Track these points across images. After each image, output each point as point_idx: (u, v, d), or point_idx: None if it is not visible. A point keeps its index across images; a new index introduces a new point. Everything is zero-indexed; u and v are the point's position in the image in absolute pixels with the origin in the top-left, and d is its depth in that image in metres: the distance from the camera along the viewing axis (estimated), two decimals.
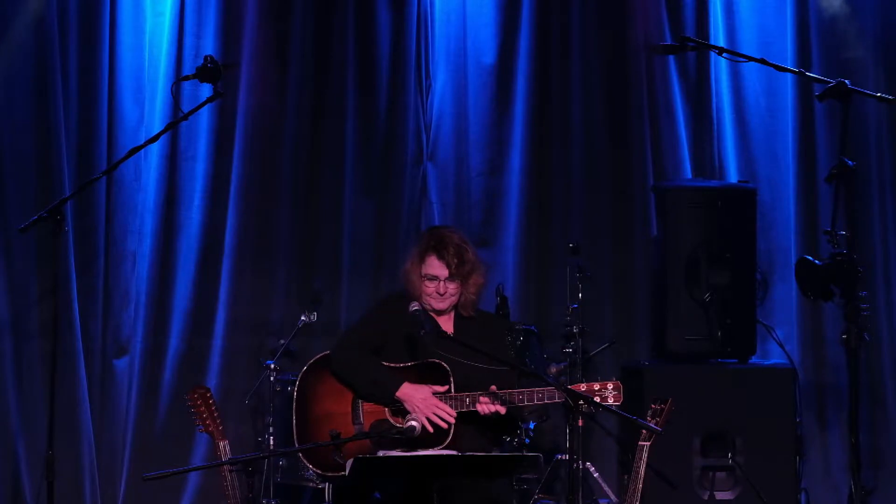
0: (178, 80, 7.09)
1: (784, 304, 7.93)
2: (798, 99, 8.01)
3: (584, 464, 7.20)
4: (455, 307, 6.01)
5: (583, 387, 5.74)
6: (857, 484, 5.77)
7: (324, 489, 6.85)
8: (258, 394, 7.44)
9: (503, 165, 8.05)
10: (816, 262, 5.78)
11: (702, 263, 7.24)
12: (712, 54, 7.99)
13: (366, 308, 6.34)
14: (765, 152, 8.08)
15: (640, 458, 5.86)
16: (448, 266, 5.88)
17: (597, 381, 5.81)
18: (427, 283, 5.91)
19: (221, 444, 5.80)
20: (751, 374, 7.23)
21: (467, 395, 5.76)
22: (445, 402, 5.75)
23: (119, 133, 7.80)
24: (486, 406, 5.71)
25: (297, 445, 5.88)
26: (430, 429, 5.69)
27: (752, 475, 6.98)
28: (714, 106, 8.09)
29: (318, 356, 6.06)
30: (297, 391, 5.97)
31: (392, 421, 5.78)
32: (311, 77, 7.99)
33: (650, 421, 5.75)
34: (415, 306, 5.75)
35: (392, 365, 5.90)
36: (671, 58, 8.06)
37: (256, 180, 7.93)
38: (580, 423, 6.87)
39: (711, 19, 8.08)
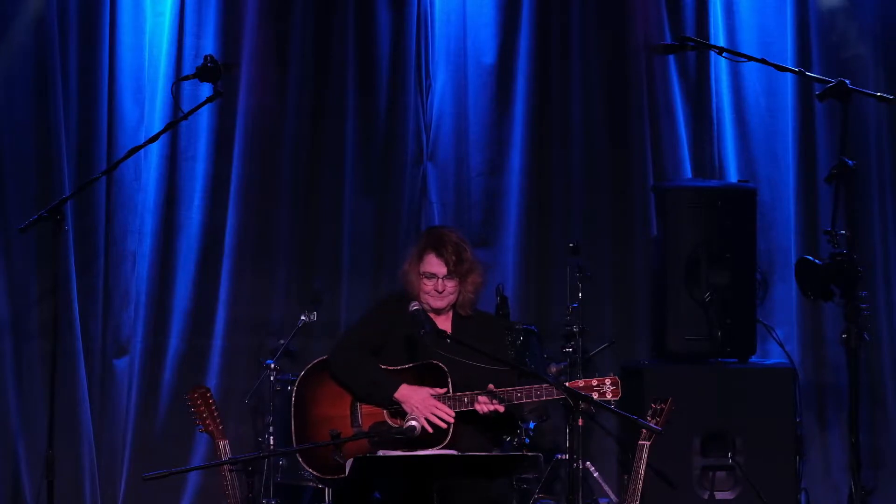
0: (178, 80, 7.09)
1: (784, 304, 7.93)
2: (798, 99, 8.02)
3: (584, 464, 7.20)
4: (453, 307, 6.01)
5: (581, 383, 5.75)
6: (857, 484, 5.77)
7: (324, 489, 6.86)
8: (258, 394, 7.44)
9: (503, 165, 8.05)
10: (816, 262, 5.78)
11: (702, 263, 7.24)
12: (712, 54, 7.99)
13: (365, 309, 6.35)
14: (765, 152, 8.08)
15: (640, 458, 5.86)
16: (446, 263, 5.89)
17: (595, 377, 5.81)
18: (425, 280, 5.91)
19: (221, 444, 5.80)
20: (751, 374, 7.23)
21: (465, 395, 5.76)
22: (444, 403, 5.75)
23: (119, 133, 7.80)
24: (484, 405, 5.71)
25: (298, 456, 5.86)
26: (430, 429, 5.69)
27: (752, 475, 6.98)
28: (714, 106, 8.09)
29: (315, 361, 6.06)
30: (294, 395, 5.97)
31: (391, 422, 5.78)
32: (311, 77, 8.00)
33: (650, 421, 5.76)
34: (415, 306, 5.75)
35: (390, 367, 5.90)
36: (671, 58, 8.06)
37: (256, 180, 7.93)
38: (580, 422, 6.87)
39: (711, 19, 8.08)
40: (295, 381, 6.00)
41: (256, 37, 7.93)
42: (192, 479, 7.69)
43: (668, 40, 7.92)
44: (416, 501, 5.43)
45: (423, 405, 5.74)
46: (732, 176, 8.00)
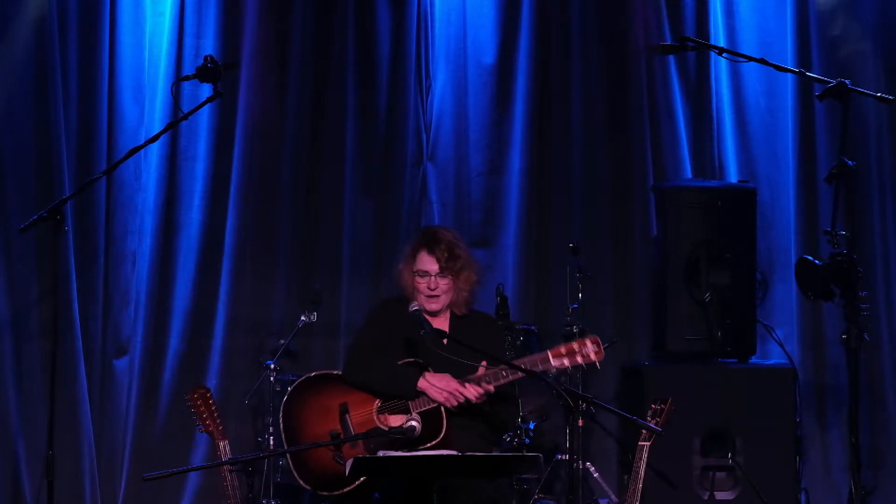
0: (178, 80, 7.08)
1: (784, 304, 7.93)
2: (798, 99, 8.02)
3: (584, 464, 7.20)
4: (449, 307, 6.00)
5: (562, 349, 5.73)
6: (857, 484, 5.77)
7: None
8: (258, 394, 7.44)
9: (503, 165, 8.05)
10: (816, 262, 5.79)
11: (702, 263, 7.24)
12: (712, 54, 7.99)
13: (364, 315, 6.34)
14: (765, 152, 8.09)
15: (640, 458, 5.86)
16: (438, 261, 5.89)
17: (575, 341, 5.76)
18: (419, 279, 5.91)
19: (221, 444, 5.80)
20: (751, 374, 7.23)
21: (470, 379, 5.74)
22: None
23: (119, 133, 7.81)
24: (474, 389, 5.69)
25: (293, 470, 5.83)
26: (454, 403, 5.67)
27: (752, 475, 6.98)
28: (714, 106, 8.09)
29: (295, 383, 6.00)
30: (282, 421, 5.92)
31: (384, 426, 5.76)
32: (311, 77, 8.00)
33: (650, 421, 5.76)
34: (414, 306, 5.75)
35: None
36: (671, 58, 8.06)
37: (256, 180, 7.93)
38: (580, 423, 6.87)
39: (711, 19, 8.08)
40: (295, 381, 5.95)
41: (256, 37, 7.94)
42: (192, 479, 7.69)
43: (668, 40, 7.92)
44: (416, 501, 5.43)
45: (448, 389, 5.73)
46: (732, 176, 8.00)
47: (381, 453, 5.42)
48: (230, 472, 5.74)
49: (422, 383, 5.77)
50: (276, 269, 7.92)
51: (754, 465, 7.03)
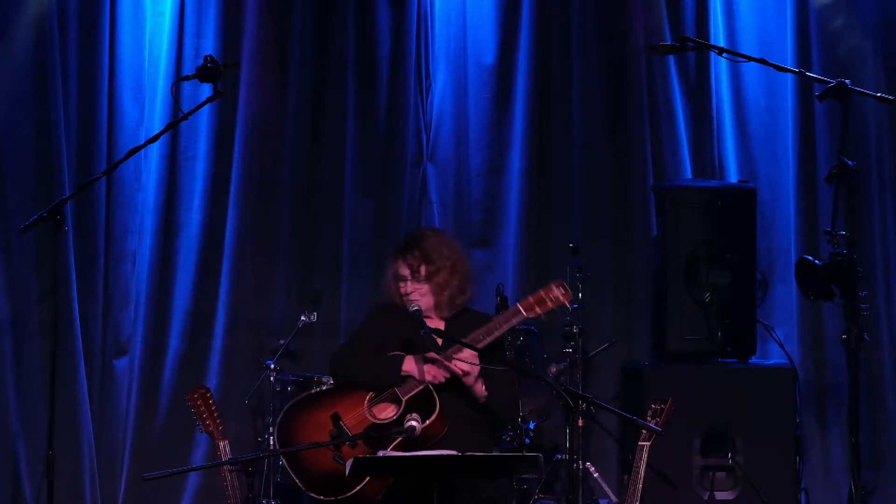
0: (178, 80, 7.08)
1: (784, 304, 7.93)
2: (798, 99, 8.02)
3: (584, 464, 7.20)
4: (433, 309, 5.97)
5: (531, 299, 5.71)
6: (857, 484, 5.78)
7: None
8: (258, 394, 7.44)
9: (503, 165, 8.05)
10: (816, 262, 5.79)
11: (702, 263, 7.24)
12: (712, 54, 7.99)
13: (358, 321, 6.33)
14: (765, 152, 8.08)
15: (640, 458, 5.86)
16: (410, 266, 5.88)
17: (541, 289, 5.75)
18: (399, 283, 5.92)
19: (221, 444, 5.80)
20: (751, 374, 7.23)
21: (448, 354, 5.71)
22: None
23: (119, 133, 7.81)
24: (459, 362, 5.66)
25: (298, 483, 5.81)
26: (441, 378, 5.66)
27: (752, 475, 6.98)
28: (714, 106, 8.09)
29: (288, 404, 5.97)
30: (277, 440, 5.89)
31: (375, 419, 5.73)
32: (311, 77, 8.00)
33: (650, 421, 5.75)
34: (415, 306, 5.75)
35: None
36: (671, 58, 8.06)
37: (256, 180, 7.93)
38: (580, 423, 6.87)
39: (711, 19, 8.08)
40: (295, 381, 5.97)
41: (256, 37, 7.94)
42: (192, 479, 7.70)
43: (668, 40, 7.92)
44: (416, 501, 5.43)
45: (429, 370, 5.72)
46: (732, 176, 8.00)
47: (381, 453, 5.42)
48: (230, 472, 5.74)
49: (406, 366, 5.75)
50: (276, 269, 7.92)
51: (754, 465, 7.04)
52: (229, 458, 5.70)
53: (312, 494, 5.74)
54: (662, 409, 5.81)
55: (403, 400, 5.70)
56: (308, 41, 7.99)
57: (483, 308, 6.45)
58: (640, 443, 5.87)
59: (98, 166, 7.62)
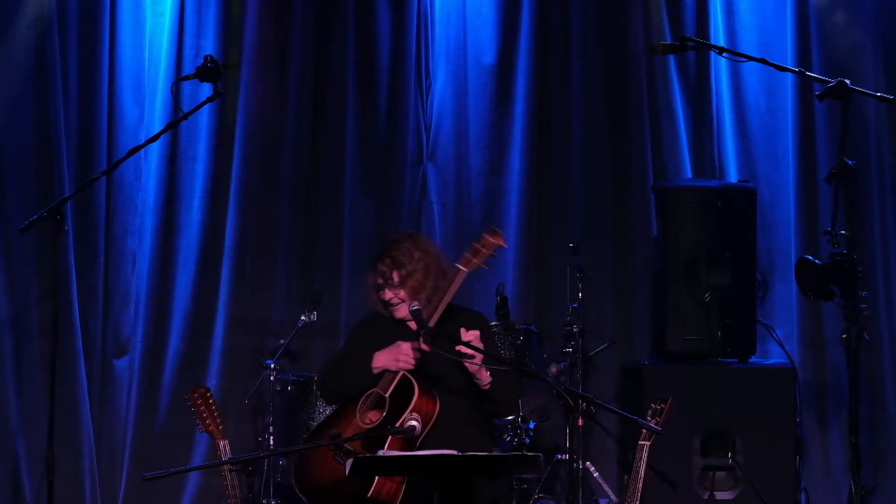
0: (178, 80, 7.09)
1: (784, 304, 7.93)
2: (798, 99, 8.01)
3: (584, 464, 7.20)
4: None
5: (467, 255, 5.68)
6: (857, 484, 5.77)
7: None
8: (258, 394, 7.44)
9: (503, 165, 8.06)
10: (816, 262, 5.79)
11: (702, 263, 7.23)
12: (712, 54, 7.99)
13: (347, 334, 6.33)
14: (765, 152, 8.08)
15: (640, 458, 5.86)
16: (382, 275, 5.88)
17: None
18: (378, 292, 5.93)
19: (221, 443, 5.80)
20: (751, 374, 7.23)
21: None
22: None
23: (119, 133, 7.81)
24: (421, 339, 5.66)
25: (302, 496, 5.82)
26: (411, 362, 5.67)
27: (752, 475, 6.98)
28: (714, 106, 8.09)
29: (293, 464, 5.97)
30: (297, 487, 5.87)
31: (367, 425, 5.72)
32: (311, 77, 8.00)
33: (650, 421, 5.75)
34: (415, 305, 5.74)
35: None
36: (671, 58, 8.06)
37: (256, 180, 7.93)
38: (580, 423, 6.87)
39: (711, 19, 8.08)
40: (295, 380, 5.95)
41: (256, 37, 7.94)
42: (192, 479, 7.70)
43: (668, 40, 7.92)
44: (417, 501, 5.43)
45: (399, 350, 5.72)
46: (732, 176, 8.00)
47: (381, 453, 5.42)
48: (230, 471, 5.75)
49: (375, 362, 5.76)
50: (276, 269, 7.92)
51: (754, 465, 7.03)
52: (229, 458, 5.70)
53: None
54: (662, 409, 5.81)
55: (386, 396, 5.70)
56: (308, 41, 7.99)
57: (483, 308, 6.45)
58: (640, 443, 5.87)
59: (98, 166, 7.62)
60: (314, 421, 7.14)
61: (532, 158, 8.04)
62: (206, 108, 6.75)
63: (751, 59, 6.26)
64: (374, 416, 5.71)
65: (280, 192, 7.95)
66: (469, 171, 8.04)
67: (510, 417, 7.10)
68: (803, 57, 7.97)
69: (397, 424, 5.59)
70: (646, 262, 7.92)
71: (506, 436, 7.06)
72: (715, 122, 8.09)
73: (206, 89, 6.46)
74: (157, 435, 7.77)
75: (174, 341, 7.82)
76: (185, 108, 6.52)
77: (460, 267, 5.73)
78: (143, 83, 7.87)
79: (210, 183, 7.91)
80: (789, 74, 7.62)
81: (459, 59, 8.06)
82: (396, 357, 5.73)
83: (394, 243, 5.97)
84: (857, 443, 5.71)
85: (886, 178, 7.97)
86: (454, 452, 5.24)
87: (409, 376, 5.71)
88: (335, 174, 7.97)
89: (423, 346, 5.66)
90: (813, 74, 6.45)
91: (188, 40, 7.89)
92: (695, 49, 7.56)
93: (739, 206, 7.33)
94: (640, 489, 5.87)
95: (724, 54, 6.59)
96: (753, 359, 7.36)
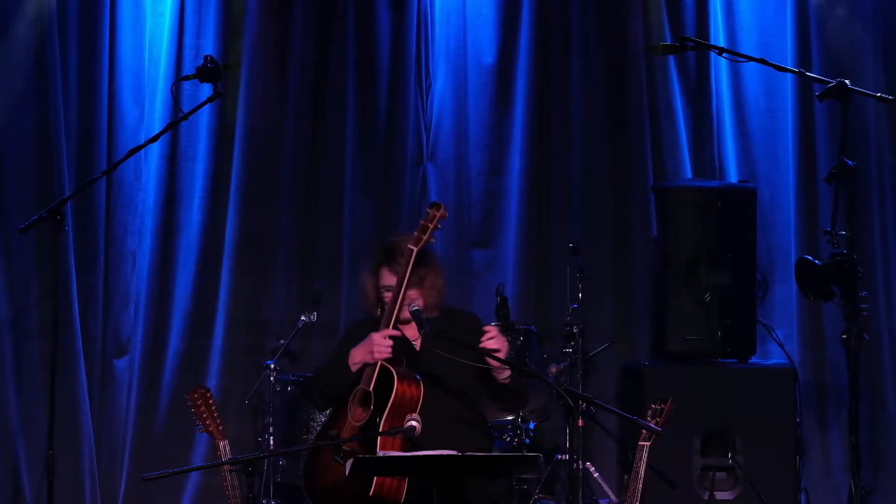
0: (178, 80, 7.10)
1: (784, 304, 7.93)
2: (798, 99, 8.01)
3: (584, 464, 7.20)
4: None
5: (415, 233, 5.71)
6: (857, 484, 5.77)
7: None
8: (258, 394, 7.44)
9: (503, 165, 8.06)
10: (816, 262, 5.78)
11: (702, 263, 7.23)
12: (712, 54, 7.99)
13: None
14: (765, 152, 8.08)
15: (640, 458, 5.86)
16: (399, 275, 5.85)
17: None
18: (386, 294, 5.88)
19: (221, 444, 5.80)
20: (751, 374, 7.23)
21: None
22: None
23: (119, 133, 7.81)
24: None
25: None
26: (385, 351, 5.67)
27: (752, 475, 6.98)
28: (714, 106, 8.09)
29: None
30: (309, 495, 5.87)
31: (358, 423, 5.72)
32: (311, 77, 8.00)
33: (650, 421, 5.75)
34: (415, 305, 5.74)
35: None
36: (671, 58, 8.06)
37: (256, 180, 7.93)
38: (580, 423, 6.87)
39: (711, 19, 8.08)
40: (295, 380, 5.93)
41: (256, 37, 7.94)
42: (192, 479, 7.70)
43: (668, 40, 7.92)
44: (417, 501, 5.42)
45: (371, 342, 5.71)
46: (732, 176, 8.00)
47: (381, 453, 5.42)
48: (230, 472, 5.74)
49: (352, 358, 5.75)
50: (276, 269, 7.93)
51: (754, 465, 7.03)
52: (229, 458, 5.70)
53: None
54: (662, 409, 5.81)
55: (370, 390, 5.69)
56: (308, 41, 7.99)
57: (483, 308, 6.46)
58: (640, 443, 5.87)
59: (98, 166, 7.62)
60: (314, 421, 7.14)
61: (532, 158, 8.04)
62: (206, 108, 6.75)
63: (750, 59, 6.26)
64: (362, 412, 5.70)
65: (280, 193, 7.95)
66: (469, 171, 8.04)
67: (510, 417, 7.11)
68: (803, 57, 7.97)
69: (384, 422, 5.57)
70: (646, 262, 7.92)
71: (506, 436, 7.06)
72: (715, 122, 8.09)
73: (206, 89, 6.46)
74: (157, 435, 7.77)
75: (174, 341, 7.82)
76: (185, 109, 6.52)
77: (411, 247, 5.73)
78: (143, 83, 7.88)
79: (210, 183, 7.91)
80: (789, 74, 7.61)
81: (459, 59, 8.06)
82: (370, 349, 5.71)
83: (401, 243, 5.95)
84: (857, 443, 5.71)
85: (886, 178, 7.97)
86: (454, 452, 5.24)
87: (387, 365, 5.69)
88: (335, 174, 7.97)
89: (393, 332, 5.67)
90: (813, 75, 6.44)
91: (188, 40, 7.90)
92: (695, 49, 7.56)
93: (739, 206, 7.34)
94: (640, 489, 5.87)
95: (723, 54, 6.59)
96: (753, 359, 7.36)
